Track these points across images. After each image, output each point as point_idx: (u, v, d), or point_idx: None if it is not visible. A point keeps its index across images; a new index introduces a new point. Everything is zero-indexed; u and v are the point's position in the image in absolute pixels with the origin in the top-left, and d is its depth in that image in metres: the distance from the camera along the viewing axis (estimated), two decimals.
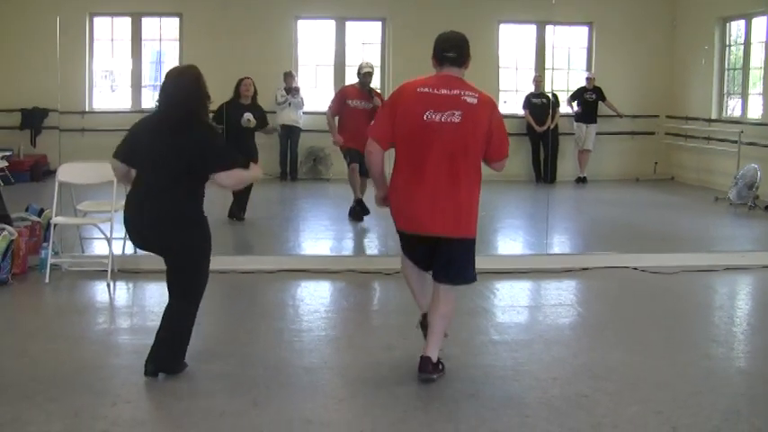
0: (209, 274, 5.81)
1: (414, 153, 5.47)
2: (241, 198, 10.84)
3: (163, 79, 5.79)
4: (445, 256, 5.57)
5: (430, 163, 5.41)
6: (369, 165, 5.72)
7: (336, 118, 11.23)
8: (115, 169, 5.80)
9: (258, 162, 10.75)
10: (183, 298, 5.68)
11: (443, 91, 5.46)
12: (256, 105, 11.03)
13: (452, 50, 5.60)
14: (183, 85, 5.60)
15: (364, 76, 11.11)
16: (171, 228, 5.58)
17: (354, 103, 10.92)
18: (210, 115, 6.10)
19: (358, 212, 11.10)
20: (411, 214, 5.53)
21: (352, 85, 11.46)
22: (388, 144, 5.57)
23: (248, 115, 10.74)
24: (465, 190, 5.47)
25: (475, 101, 5.44)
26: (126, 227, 5.76)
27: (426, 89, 5.49)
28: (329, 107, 11.34)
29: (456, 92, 5.45)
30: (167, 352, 5.65)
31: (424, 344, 5.65)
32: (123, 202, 7.97)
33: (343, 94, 11.23)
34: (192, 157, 5.47)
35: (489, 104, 5.55)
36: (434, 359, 5.59)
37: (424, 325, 5.81)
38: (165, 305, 5.74)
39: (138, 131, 5.69)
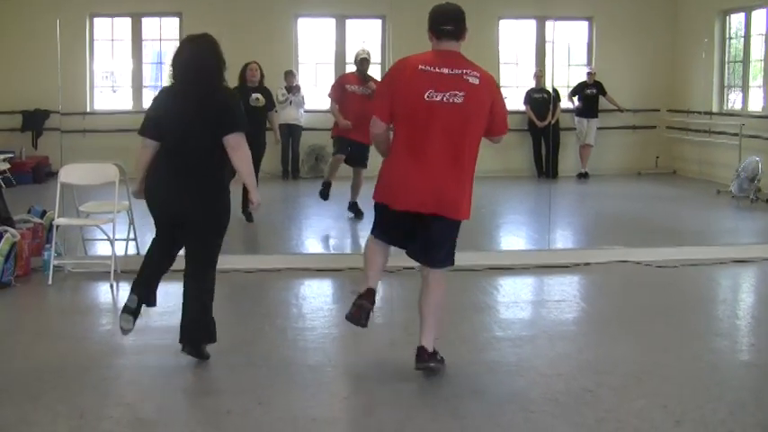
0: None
1: (413, 133, 5.41)
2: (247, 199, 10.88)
3: (178, 48, 5.76)
4: (436, 238, 5.50)
5: (431, 143, 5.36)
6: (377, 143, 5.70)
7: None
8: (144, 149, 5.71)
9: (262, 155, 10.85)
10: (210, 266, 5.76)
11: (445, 70, 5.39)
12: (264, 88, 11.06)
13: (450, 23, 5.53)
14: (202, 52, 5.62)
15: (361, 62, 11.16)
16: (208, 197, 5.63)
17: (353, 89, 10.93)
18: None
19: (325, 193, 11.30)
20: (407, 192, 5.42)
21: (351, 72, 11.57)
22: (389, 120, 5.51)
23: (257, 95, 10.77)
24: (466, 171, 5.44)
25: (477, 81, 5.39)
26: (155, 202, 5.73)
27: (428, 67, 5.41)
28: (329, 94, 11.38)
29: (458, 71, 5.39)
30: (206, 325, 5.78)
31: (420, 334, 5.61)
32: (126, 202, 8.02)
33: (342, 80, 11.34)
34: (217, 119, 5.51)
35: (491, 84, 5.52)
36: (430, 348, 5.55)
37: (363, 297, 5.61)
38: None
39: (163, 105, 5.69)
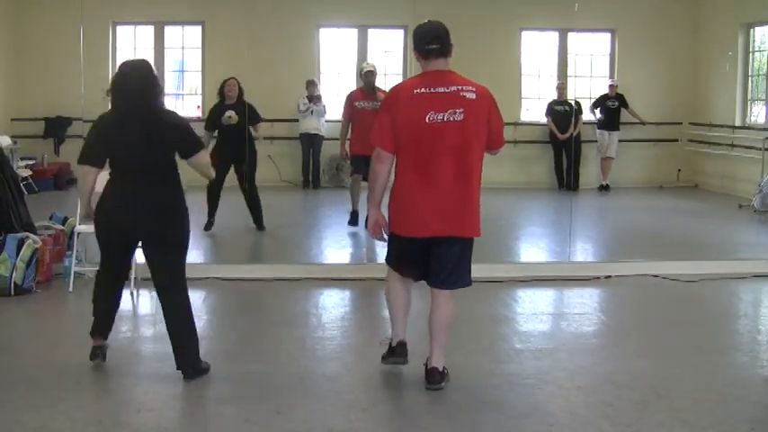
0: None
1: (420, 157, 5.37)
2: (254, 209, 10.95)
3: (116, 74, 5.85)
4: (447, 260, 5.49)
5: (438, 165, 5.34)
6: (376, 175, 5.54)
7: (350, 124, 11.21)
8: (86, 175, 5.79)
9: (256, 163, 10.89)
10: (181, 289, 5.81)
11: (441, 89, 5.35)
12: (242, 103, 10.99)
13: (434, 42, 5.46)
14: (141, 77, 5.71)
15: (366, 75, 11.09)
16: (167, 217, 5.70)
17: (361, 105, 10.88)
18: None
19: (355, 221, 11.20)
20: (421, 218, 5.40)
21: (357, 88, 11.48)
22: (394, 149, 5.44)
23: (229, 112, 10.76)
24: (474, 188, 5.44)
25: (474, 96, 5.37)
26: (106, 228, 5.78)
27: (423, 89, 5.37)
28: (342, 115, 11.34)
29: (454, 88, 5.36)
30: (194, 347, 5.78)
31: (430, 354, 5.62)
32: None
33: (350, 98, 11.19)
34: (171, 142, 5.63)
35: (487, 97, 5.46)
36: (441, 368, 5.56)
37: (396, 354, 5.70)
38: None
39: (104, 131, 5.75)
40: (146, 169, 5.64)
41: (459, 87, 5.38)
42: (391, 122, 5.41)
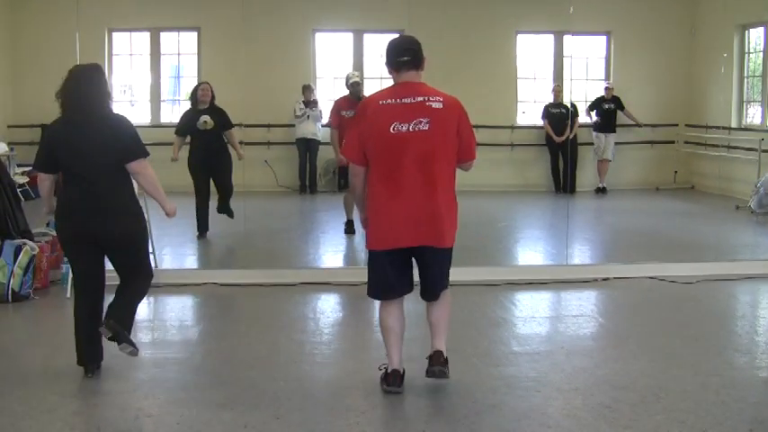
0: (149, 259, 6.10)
1: (386, 167, 5.38)
2: (222, 196, 11.01)
3: (65, 79, 5.86)
4: (429, 271, 5.53)
5: (403, 174, 5.33)
6: (352, 189, 5.67)
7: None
8: (42, 181, 5.99)
9: (231, 173, 10.85)
10: (140, 274, 5.93)
11: (407, 100, 5.36)
12: (215, 109, 10.95)
13: (405, 54, 5.48)
14: (87, 81, 5.78)
15: (353, 86, 11.00)
16: (116, 216, 5.75)
17: (348, 114, 10.75)
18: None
19: (351, 229, 11.15)
20: (390, 229, 5.41)
21: (343, 97, 11.25)
22: (364, 162, 5.48)
23: (204, 117, 10.73)
24: (442, 197, 5.39)
25: (440, 105, 5.37)
26: (64, 228, 5.87)
27: (389, 100, 5.40)
28: (329, 122, 11.20)
29: (420, 98, 5.37)
30: (126, 309, 5.85)
31: (432, 340, 5.66)
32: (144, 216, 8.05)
33: (337, 107, 11.04)
34: (116, 143, 5.69)
35: (455, 107, 5.45)
36: (445, 351, 5.59)
37: (391, 384, 5.58)
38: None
39: (54, 137, 5.84)
40: (93, 173, 5.70)
41: (426, 98, 5.38)
42: (359, 135, 5.46)
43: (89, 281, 5.92)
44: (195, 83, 14.12)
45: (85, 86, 5.74)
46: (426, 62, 5.52)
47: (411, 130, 5.31)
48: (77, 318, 5.92)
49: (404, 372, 5.62)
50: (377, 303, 5.80)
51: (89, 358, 5.89)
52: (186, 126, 10.92)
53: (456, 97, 5.50)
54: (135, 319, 5.99)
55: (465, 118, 5.47)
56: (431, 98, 5.37)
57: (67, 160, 5.76)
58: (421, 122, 5.31)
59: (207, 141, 10.76)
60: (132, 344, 5.76)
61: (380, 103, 5.41)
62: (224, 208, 11.02)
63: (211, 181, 10.87)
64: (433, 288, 5.60)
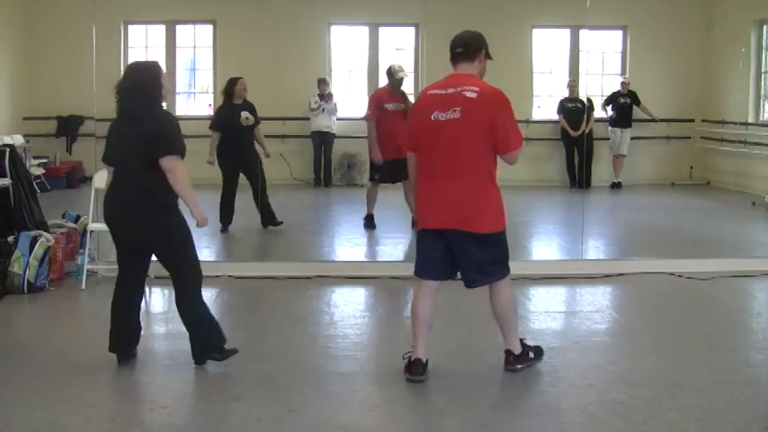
0: (197, 260, 5.97)
1: (425, 153, 5.67)
2: (262, 206, 10.92)
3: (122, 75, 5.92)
4: (459, 257, 5.65)
5: (438, 161, 5.57)
6: (409, 171, 5.94)
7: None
8: (108, 173, 6.14)
9: (260, 166, 10.83)
10: (185, 280, 5.88)
11: (450, 90, 5.59)
12: (249, 105, 10.98)
13: (459, 46, 5.72)
14: (137, 77, 5.77)
15: (399, 80, 10.83)
16: (142, 215, 5.74)
17: (391, 107, 10.72)
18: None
19: (371, 224, 11.14)
20: (425, 211, 5.68)
21: (383, 89, 11.16)
22: (412, 148, 5.79)
23: (245, 113, 10.75)
24: (470, 183, 5.53)
25: (475, 95, 5.50)
26: (110, 224, 5.93)
27: (436, 91, 5.66)
28: (366, 115, 10.94)
29: (459, 89, 5.55)
30: (198, 342, 5.89)
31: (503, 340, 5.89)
32: None
33: (377, 100, 10.89)
34: (148, 138, 5.63)
35: (492, 98, 5.56)
36: (515, 350, 5.82)
37: (413, 373, 5.67)
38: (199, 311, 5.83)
39: (109, 131, 5.91)
40: (129, 169, 5.75)
41: (464, 87, 5.55)
42: (410, 122, 5.83)
43: (123, 274, 6.01)
44: (211, 76, 14.10)
45: (133, 83, 5.74)
46: (482, 55, 5.76)
47: (447, 118, 5.53)
48: (111, 307, 6.01)
49: (427, 361, 5.70)
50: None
51: (120, 347, 5.96)
52: (225, 121, 10.81)
53: (499, 90, 5.63)
54: (199, 321, 5.92)
55: (503, 110, 5.58)
56: (468, 88, 5.54)
57: (109, 153, 5.88)
58: (455, 111, 5.51)
59: (242, 137, 10.75)
60: (226, 354, 5.91)
61: (429, 93, 5.73)
62: (270, 219, 11.04)
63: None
64: (464, 274, 5.74)
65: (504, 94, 5.62)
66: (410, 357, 5.73)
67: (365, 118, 11.01)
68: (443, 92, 5.60)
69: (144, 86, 5.73)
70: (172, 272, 5.91)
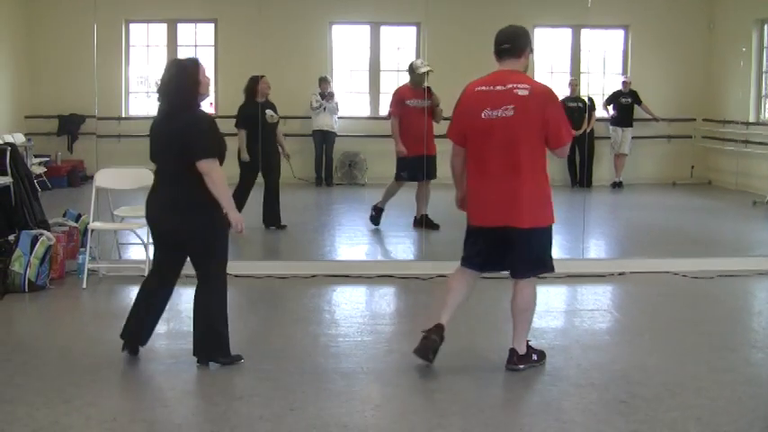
0: (227, 260, 5.95)
1: (476, 151, 5.73)
2: (271, 205, 10.90)
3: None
4: (511, 251, 5.75)
5: (491, 158, 5.64)
6: (452, 168, 6.01)
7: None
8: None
9: (279, 165, 10.82)
10: (204, 284, 5.87)
11: (498, 87, 5.63)
12: (271, 103, 10.98)
13: (506, 42, 5.78)
14: (172, 76, 5.77)
15: (422, 75, 10.47)
16: (178, 212, 5.74)
17: (413, 103, 10.58)
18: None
19: (377, 220, 11.07)
20: (477, 208, 5.77)
21: (405, 85, 10.98)
22: (463, 142, 5.81)
23: (270, 111, 10.75)
24: (525, 180, 5.64)
25: (527, 93, 5.58)
26: (148, 220, 6.01)
27: (484, 87, 5.69)
28: (390, 112, 10.92)
29: (509, 86, 5.61)
30: (209, 342, 5.87)
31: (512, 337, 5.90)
32: None
33: (400, 96, 10.77)
34: (182, 139, 5.64)
35: (543, 94, 5.69)
36: (520, 351, 5.82)
37: (431, 331, 5.78)
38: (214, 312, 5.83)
39: (150, 129, 5.93)
40: (165, 166, 5.81)
41: (514, 85, 5.61)
42: (457, 117, 5.82)
43: (155, 266, 6.12)
44: (212, 75, 14.08)
45: (172, 80, 5.74)
46: (527, 50, 5.84)
47: (499, 116, 5.58)
48: (138, 293, 6.10)
49: (443, 336, 5.80)
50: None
51: (129, 335, 6.01)
52: (250, 119, 10.73)
53: (548, 86, 5.79)
54: (213, 324, 5.89)
55: (552, 106, 5.71)
56: (519, 85, 5.61)
57: (152, 149, 5.90)
58: (507, 109, 5.57)
59: (265, 135, 10.70)
60: (231, 359, 5.90)
61: (476, 89, 5.73)
62: (274, 219, 11.04)
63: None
64: (514, 267, 5.85)
65: (552, 89, 5.79)
66: (427, 333, 5.81)
67: (388, 114, 11.09)
68: (491, 89, 5.64)
69: (180, 83, 5.71)
70: (201, 270, 5.87)
